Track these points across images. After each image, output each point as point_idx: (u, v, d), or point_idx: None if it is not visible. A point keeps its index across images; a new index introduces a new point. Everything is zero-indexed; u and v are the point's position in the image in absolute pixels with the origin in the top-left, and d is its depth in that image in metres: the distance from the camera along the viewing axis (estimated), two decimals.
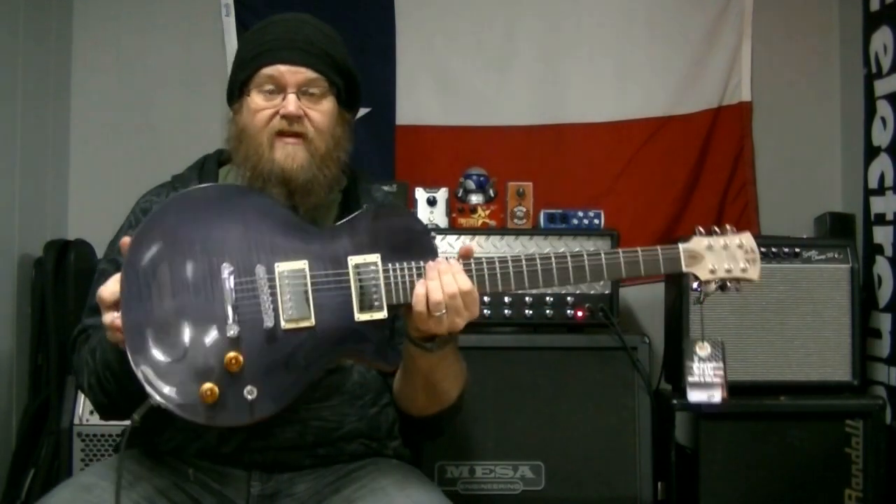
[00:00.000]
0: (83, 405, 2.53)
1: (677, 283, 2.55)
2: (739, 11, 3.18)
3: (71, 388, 2.57)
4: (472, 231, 2.65)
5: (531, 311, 2.55)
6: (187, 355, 1.44)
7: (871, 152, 2.81)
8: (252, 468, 1.66)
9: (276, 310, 1.49)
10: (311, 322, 1.50)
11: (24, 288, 2.82)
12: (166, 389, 1.43)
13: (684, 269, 1.65)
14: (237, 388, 1.45)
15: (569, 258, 1.60)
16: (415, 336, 1.57)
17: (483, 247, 2.56)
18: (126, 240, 1.49)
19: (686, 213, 3.15)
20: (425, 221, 2.67)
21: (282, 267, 1.51)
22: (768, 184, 3.21)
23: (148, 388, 1.42)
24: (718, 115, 3.19)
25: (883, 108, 2.73)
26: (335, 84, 1.69)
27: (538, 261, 1.59)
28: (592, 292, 2.56)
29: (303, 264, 1.52)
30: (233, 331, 1.46)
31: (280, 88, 1.65)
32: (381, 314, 1.53)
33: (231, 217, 1.53)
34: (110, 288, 1.47)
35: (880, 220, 2.75)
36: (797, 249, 2.54)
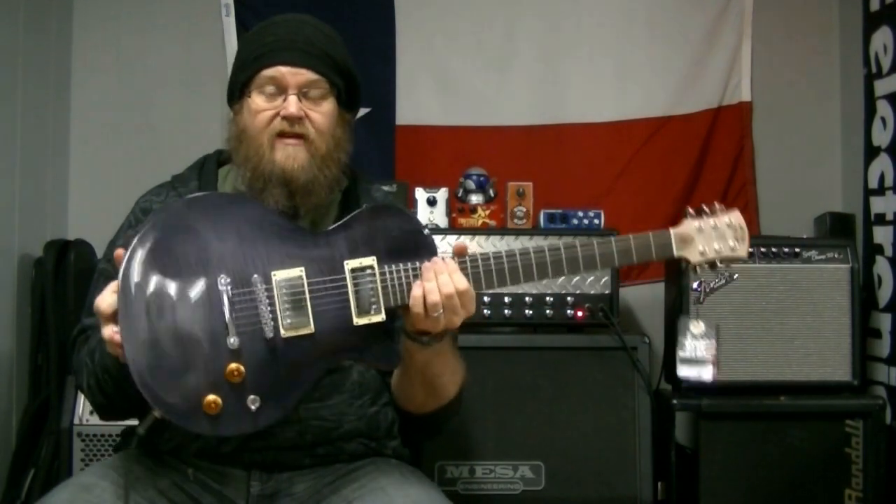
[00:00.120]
0: (83, 405, 2.53)
1: (677, 283, 2.55)
2: (739, 11, 3.18)
3: (71, 388, 2.58)
4: (472, 231, 2.65)
5: (531, 312, 2.55)
6: (189, 368, 1.44)
7: (871, 152, 2.81)
8: (252, 468, 1.66)
9: (275, 319, 1.49)
10: (311, 329, 1.51)
11: (24, 288, 2.82)
12: (169, 402, 1.43)
13: (676, 253, 1.66)
14: (240, 398, 1.46)
15: (562, 249, 1.60)
16: (411, 330, 1.58)
17: (483, 247, 2.56)
18: (119, 252, 1.48)
19: None
20: (425, 222, 2.68)
21: (279, 275, 1.51)
22: (768, 184, 3.21)
23: (151, 402, 1.43)
24: (718, 115, 3.19)
25: (883, 108, 2.73)
26: (336, 85, 1.69)
27: (532, 254, 1.59)
28: (592, 292, 2.56)
29: (299, 271, 1.52)
30: (233, 342, 1.46)
31: (281, 90, 1.65)
32: (380, 317, 1.53)
33: (225, 227, 1.52)
34: (107, 300, 1.46)
35: (880, 220, 2.75)
36: (797, 249, 2.54)
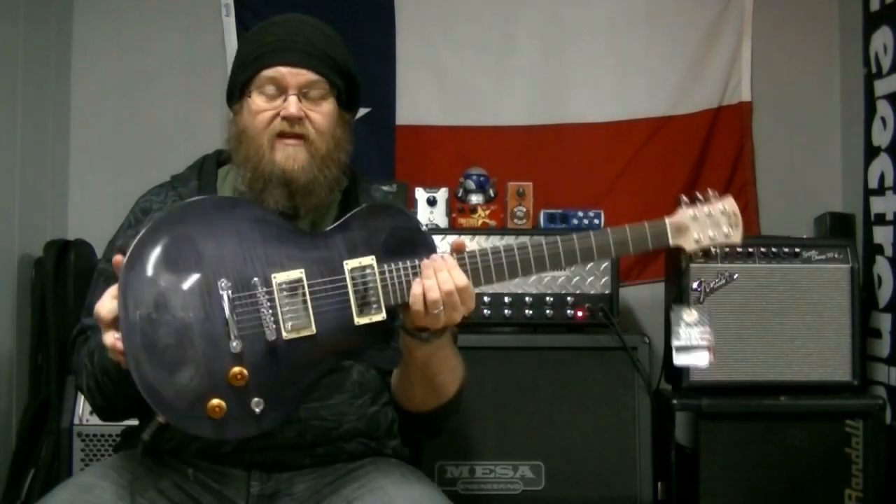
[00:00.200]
0: (83, 405, 2.53)
1: (677, 283, 2.55)
2: (739, 11, 3.18)
3: (71, 388, 2.58)
4: (472, 231, 2.65)
5: (531, 311, 2.55)
6: (192, 373, 1.44)
7: (871, 152, 2.81)
8: (251, 468, 1.66)
9: (276, 321, 1.49)
10: (312, 330, 1.51)
11: (24, 288, 2.82)
12: (173, 408, 1.43)
13: (671, 242, 1.66)
14: (244, 401, 1.46)
15: (559, 242, 1.61)
16: (410, 327, 1.58)
17: (483, 247, 2.55)
18: (119, 258, 1.47)
19: None
20: (425, 222, 2.68)
21: (279, 277, 1.51)
22: (768, 184, 3.21)
23: (155, 408, 1.43)
24: (718, 115, 3.19)
25: (883, 108, 2.73)
26: (336, 86, 1.69)
27: (530, 248, 1.60)
28: (592, 292, 2.56)
29: (299, 273, 1.52)
30: (235, 346, 1.46)
31: (281, 90, 1.65)
32: (380, 316, 1.54)
33: (224, 230, 1.52)
34: (107, 306, 1.46)
35: (880, 220, 2.75)
36: (797, 249, 2.54)
